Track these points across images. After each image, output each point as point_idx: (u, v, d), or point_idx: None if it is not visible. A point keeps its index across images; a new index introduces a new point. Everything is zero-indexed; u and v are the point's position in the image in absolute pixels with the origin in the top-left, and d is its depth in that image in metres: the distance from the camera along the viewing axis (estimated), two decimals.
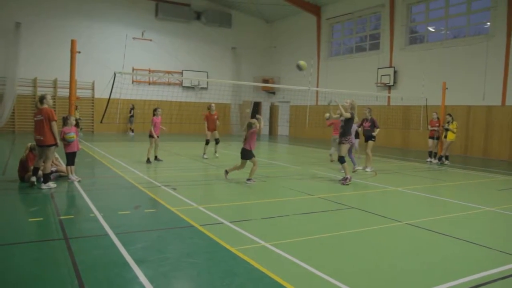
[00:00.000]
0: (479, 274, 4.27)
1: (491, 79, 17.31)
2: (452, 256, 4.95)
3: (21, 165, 8.47)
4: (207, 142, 13.59)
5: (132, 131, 23.87)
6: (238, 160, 9.57)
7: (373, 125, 12.00)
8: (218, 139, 13.68)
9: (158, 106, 12.84)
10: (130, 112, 23.71)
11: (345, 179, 9.62)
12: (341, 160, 9.79)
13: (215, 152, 13.80)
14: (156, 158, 12.23)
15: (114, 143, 18.86)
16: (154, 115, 12.13)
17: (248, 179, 9.25)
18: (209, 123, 13.49)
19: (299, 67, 11.21)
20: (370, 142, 11.92)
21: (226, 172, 9.63)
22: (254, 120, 9.48)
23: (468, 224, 6.55)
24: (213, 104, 13.76)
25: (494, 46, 17.20)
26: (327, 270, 4.23)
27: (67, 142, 8.72)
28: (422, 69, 19.16)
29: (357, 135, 13.34)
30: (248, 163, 9.44)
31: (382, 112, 21.03)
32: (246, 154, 9.30)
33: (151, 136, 11.96)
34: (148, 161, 11.90)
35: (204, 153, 13.61)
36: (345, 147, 9.90)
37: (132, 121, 23.78)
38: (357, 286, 3.87)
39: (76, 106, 21.39)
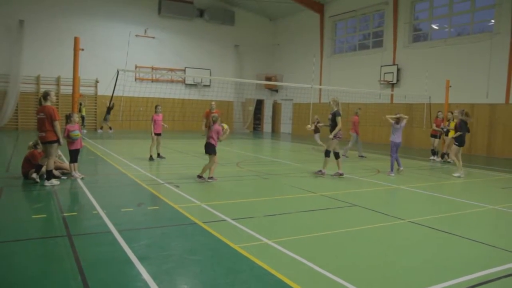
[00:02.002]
0: (482, 272, 4.26)
1: (495, 77, 17.22)
2: (455, 254, 4.94)
3: (25, 161, 8.49)
4: None
5: (110, 128, 23.38)
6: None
7: (458, 128, 11.05)
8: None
9: (160, 104, 12.84)
10: (109, 109, 22.87)
11: (319, 171, 10.28)
12: (326, 153, 10.28)
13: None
14: (158, 155, 12.26)
15: (116, 141, 18.89)
16: (155, 112, 12.19)
17: (210, 177, 8.96)
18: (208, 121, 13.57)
19: None
20: (453, 147, 11.21)
21: (199, 177, 9.05)
22: (216, 115, 9.42)
23: (471, 222, 6.54)
24: (213, 103, 13.81)
25: (498, 44, 17.12)
26: (329, 267, 4.23)
27: (72, 140, 8.74)
28: (425, 67, 19.09)
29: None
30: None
31: (385, 110, 20.96)
32: (209, 149, 9.05)
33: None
34: (151, 158, 11.93)
35: None
36: (334, 143, 10.22)
37: (108, 118, 22.93)
38: (359, 284, 3.87)
39: (80, 104, 21.37)
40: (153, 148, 12.09)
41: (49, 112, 7.95)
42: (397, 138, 11.02)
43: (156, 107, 12.31)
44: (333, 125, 10.20)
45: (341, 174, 10.16)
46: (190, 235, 5.27)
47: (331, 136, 10.17)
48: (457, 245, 5.30)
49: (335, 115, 10.20)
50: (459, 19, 19.30)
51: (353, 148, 15.21)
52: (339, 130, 10.15)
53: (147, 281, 3.77)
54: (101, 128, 23.27)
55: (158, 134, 12.08)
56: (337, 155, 10.27)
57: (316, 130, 15.73)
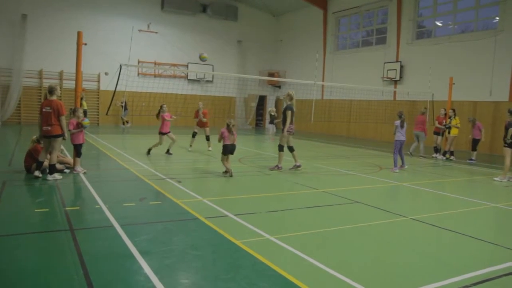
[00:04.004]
0: (484, 270, 4.26)
1: (498, 75, 17.14)
2: (457, 251, 4.94)
3: (28, 155, 8.50)
4: (194, 135, 14.08)
5: (128, 122, 23.43)
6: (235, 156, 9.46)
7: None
8: (208, 136, 14.14)
9: (164, 103, 13.03)
10: (123, 104, 22.67)
11: (275, 166, 10.24)
12: (280, 148, 10.30)
13: (208, 146, 14.04)
14: (167, 151, 12.30)
15: (119, 136, 18.91)
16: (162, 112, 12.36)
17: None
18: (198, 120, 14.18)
19: (201, 59, 15.01)
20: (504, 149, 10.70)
21: (230, 173, 9.21)
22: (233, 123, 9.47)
23: (473, 220, 6.53)
24: (200, 103, 14.42)
25: (502, 41, 17.01)
26: (330, 263, 4.24)
27: (84, 128, 8.77)
28: (429, 64, 18.99)
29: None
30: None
31: (388, 107, 20.93)
32: (234, 150, 9.40)
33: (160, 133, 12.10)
34: (148, 152, 11.97)
35: (190, 145, 13.89)
36: (285, 137, 10.29)
37: (126, 114, 23.20)
38: (361, 280, 3.87)
39: (81, 98, 21.31)
40: (158, 146, 12.08)
41: (56, 106, 7.94)
42: (402, 136, 11.07)
43: (161, 107, 12.40)
44: (284, 118, 10.22)
45: (298, 166, 10.33)
46: (192, 230, 5.28)
47: (284, 132, 10.19)
48: (459, 242, 5.29)
49: (286, 109, 10.21)
50: (463, 16, 19.19)
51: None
52: (290, 124, 10.22)
53: (149, 275, 3.78)
54: (127, 122, 23.26)
55: (163, 134, 12.06)
56: (291, 149, 10.31)
57: (271, 121, 19.39)
